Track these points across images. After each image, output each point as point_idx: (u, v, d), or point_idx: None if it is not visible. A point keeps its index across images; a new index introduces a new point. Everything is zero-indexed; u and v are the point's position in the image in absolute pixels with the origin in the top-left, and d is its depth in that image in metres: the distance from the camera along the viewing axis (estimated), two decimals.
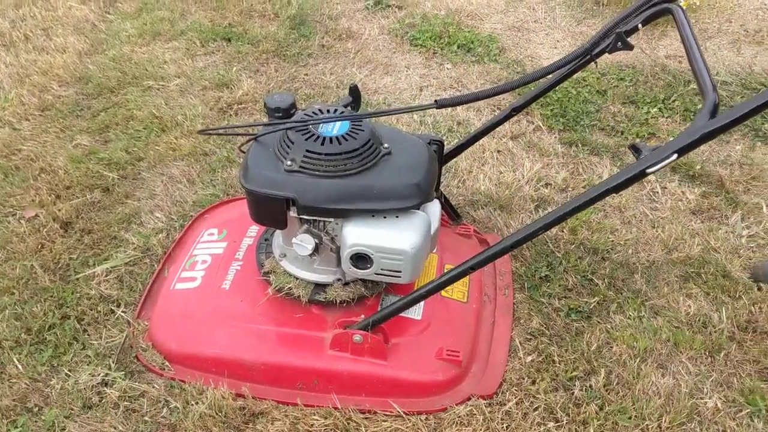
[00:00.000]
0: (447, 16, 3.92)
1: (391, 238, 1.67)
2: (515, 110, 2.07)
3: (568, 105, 3.06)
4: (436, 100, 1.80)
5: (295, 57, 3.52)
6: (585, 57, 1.85)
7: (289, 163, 1.69)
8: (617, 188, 1.44)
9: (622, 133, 2.90)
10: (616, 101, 3.10)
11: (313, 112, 1.81)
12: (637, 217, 2.45)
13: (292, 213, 1.73)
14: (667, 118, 2.96)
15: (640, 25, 1.78)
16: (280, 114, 1.83)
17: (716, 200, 2.51)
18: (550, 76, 1.91)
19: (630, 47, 1.80)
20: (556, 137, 2.90)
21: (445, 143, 2.84)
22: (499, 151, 2.82)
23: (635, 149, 1.43)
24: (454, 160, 2.35)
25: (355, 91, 1.92)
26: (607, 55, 1.83)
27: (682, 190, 2.55)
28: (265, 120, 1.88)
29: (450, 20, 3.84)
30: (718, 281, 2.16)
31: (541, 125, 2.96)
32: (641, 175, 1.40)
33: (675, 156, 1.37)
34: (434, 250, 2.06)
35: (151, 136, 2.89)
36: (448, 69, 3.45)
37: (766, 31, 3.71)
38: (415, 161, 1.78)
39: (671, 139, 1.44)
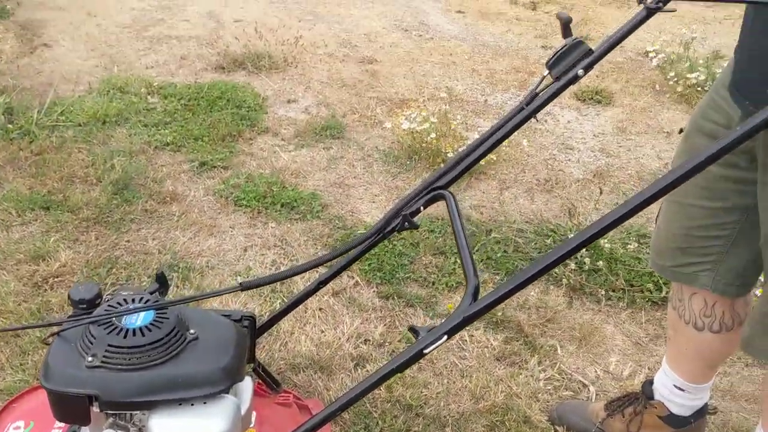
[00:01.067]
0: (272, 175, 4.10)
1: (198, 427, 1.70)
2: (321, 284, 2.20)
3: (385, 259, 3.28)
4: (240, 283, 1.90)
5: (117, 223, 3.51)
6: (378, 235, 2.04)
7: (90, 359, 1.69)
8: (400, 368, 1.57)
9: (434, 283, 3.13)
10: (427, 253, 3.35)
11: (117, 303, 1.84)
12: (448, 367, 2.62)
13: (96, 409, 1.71)
14: None
15: (422, 208, 2.00)
16: (85, 305, 1.84)
17: (517, 345, 2.74)
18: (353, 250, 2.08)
19: (416, 227, 2.01)
20: (374, 291, 3.08)
21: (269, 304, 2.95)
22: (321, 309, 2.94)
23: (414, 331, 1.58)
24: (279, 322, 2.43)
25: (162, 278, 1.97)
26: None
27: (487, 337, 2.78)
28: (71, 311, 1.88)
29: (274, 179, 4.02)
30: (520, 428, 2.34)
31: (359, 280, 3.13)
32: (419, 354, 1.55)
33: (446, 337, 1.53)
34: (252, 425, 2.08)
35: None
36: (272, 228, 3.59)
37: (555, 180, 4.21)
38: (222, 344, 1.84)
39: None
